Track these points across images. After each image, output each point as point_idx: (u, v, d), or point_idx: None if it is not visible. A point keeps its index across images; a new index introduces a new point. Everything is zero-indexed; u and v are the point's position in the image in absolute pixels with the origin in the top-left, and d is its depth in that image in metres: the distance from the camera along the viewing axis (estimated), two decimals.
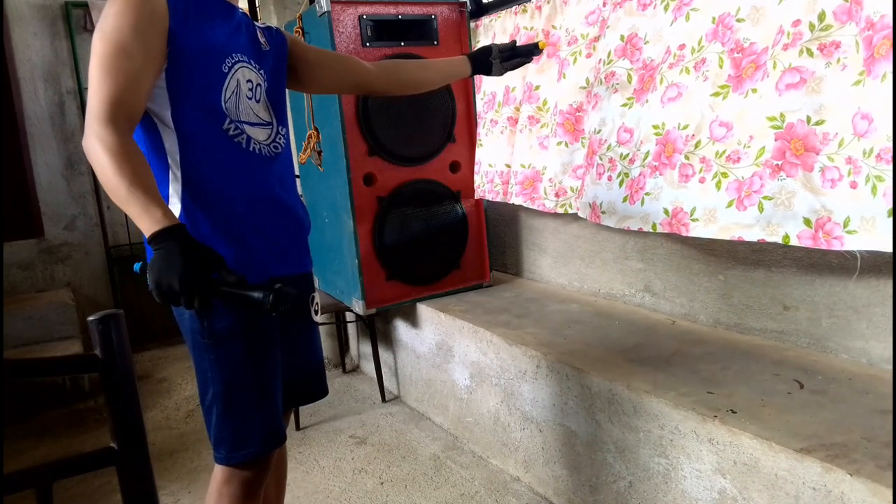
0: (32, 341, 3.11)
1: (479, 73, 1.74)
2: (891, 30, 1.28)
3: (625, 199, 1.88)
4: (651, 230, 1.80)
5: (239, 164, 1.26)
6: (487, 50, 1.72)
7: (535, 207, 2.36)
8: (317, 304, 1.47)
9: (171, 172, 1.22)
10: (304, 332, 1.46)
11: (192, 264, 1.02)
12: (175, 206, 1.23)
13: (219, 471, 1.32)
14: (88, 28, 3.61)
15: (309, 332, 1.48)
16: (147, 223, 1.04)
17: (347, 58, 1.60)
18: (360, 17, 2.34)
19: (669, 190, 1.75)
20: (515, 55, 1.74)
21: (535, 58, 1.82)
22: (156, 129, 1.21)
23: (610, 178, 1.93)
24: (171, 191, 1.23)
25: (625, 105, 1.90)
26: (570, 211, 2.25)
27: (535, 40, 2.30)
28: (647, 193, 1.81)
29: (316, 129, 2.36)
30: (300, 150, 2.39)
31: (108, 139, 1.07)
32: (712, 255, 1.95)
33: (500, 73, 1.74)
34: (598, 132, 1.99)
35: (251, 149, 1.28)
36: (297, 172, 3.02)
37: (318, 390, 1.52)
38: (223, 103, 1.23)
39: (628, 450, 1.67)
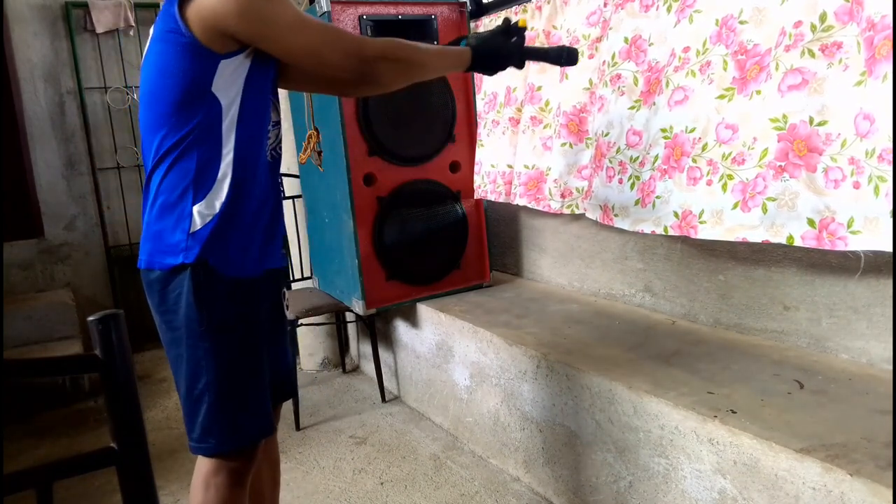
0: (32, 341, 3.11)
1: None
2: (891, 30, 1.27)
3: (637, 203, 1.88)
4: (663, 233, 1.80)
5: (265, 165, 1.33)
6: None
7: (539, 208, 2.35)
8: (287, 299, 1.49)
9: (222, 160, 1.24)
10: (280, 329, 1.48)
11: (507, 46, 1.40)
12: (223, 187, 1.24)
13: (205, 462, 1.32)
14: (88, 28, 3.60)
15: (284, 331, 1.50)
16: (456, 60, 1.38)
17: None
18: (360, 17, 2.33)
19: (678, 193, 1.75)
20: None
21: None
22: (220, 114, 1.22)
23: (621, 182, 1.93)
24: (220, 175, 1.24)
25: (632, 108, 1.90)
26: (576, 211, 2.24)
27: (535, 41, 2.28)
28: (657, 196, 1.81)
29: (316, 129, 2.35)
30: (300, 150, 2.39)
31: (376, 55, 1.23)
32: (712, 255, 1.95)
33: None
34: (607, 135, 1.98)
35: (270, 153, 1.35)
36: (296, 172, 3.02)
37: (291, 389, 1.54)
38: (271, 100, 1.32)
39: (628, 450, 1.67)
